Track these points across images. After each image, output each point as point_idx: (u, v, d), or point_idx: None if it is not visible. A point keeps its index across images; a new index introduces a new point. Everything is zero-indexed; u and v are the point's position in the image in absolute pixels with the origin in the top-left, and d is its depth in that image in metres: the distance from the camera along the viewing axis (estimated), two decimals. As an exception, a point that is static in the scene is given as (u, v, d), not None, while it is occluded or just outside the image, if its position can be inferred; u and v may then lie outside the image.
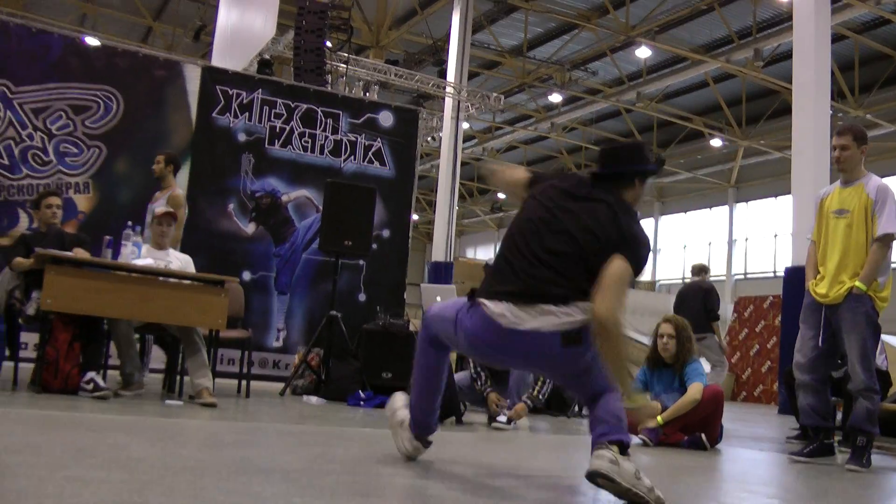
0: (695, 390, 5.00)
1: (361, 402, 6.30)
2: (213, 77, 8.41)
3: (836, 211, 4.77)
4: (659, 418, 4.98)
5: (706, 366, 9.53)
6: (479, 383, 5.79)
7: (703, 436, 5.01)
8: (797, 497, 3.66)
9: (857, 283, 4.55)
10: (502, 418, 5.39)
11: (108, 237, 5.39)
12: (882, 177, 4.78)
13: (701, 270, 9.90)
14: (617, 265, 2.84)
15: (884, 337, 9.88)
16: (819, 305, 4.74)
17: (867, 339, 4.53)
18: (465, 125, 20.66)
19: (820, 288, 4.74)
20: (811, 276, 4.87)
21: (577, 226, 2.94)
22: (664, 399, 5.11)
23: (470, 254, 36.33)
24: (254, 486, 2.42)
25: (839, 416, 6.46)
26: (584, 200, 3.00)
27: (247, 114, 8.38)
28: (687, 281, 13.15)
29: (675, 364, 5.16)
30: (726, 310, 16.45)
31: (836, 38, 16.24)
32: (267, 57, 13.19)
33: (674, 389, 5.14)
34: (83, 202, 7.70)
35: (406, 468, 3.13)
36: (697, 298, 9.23)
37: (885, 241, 4.58)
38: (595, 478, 2.62)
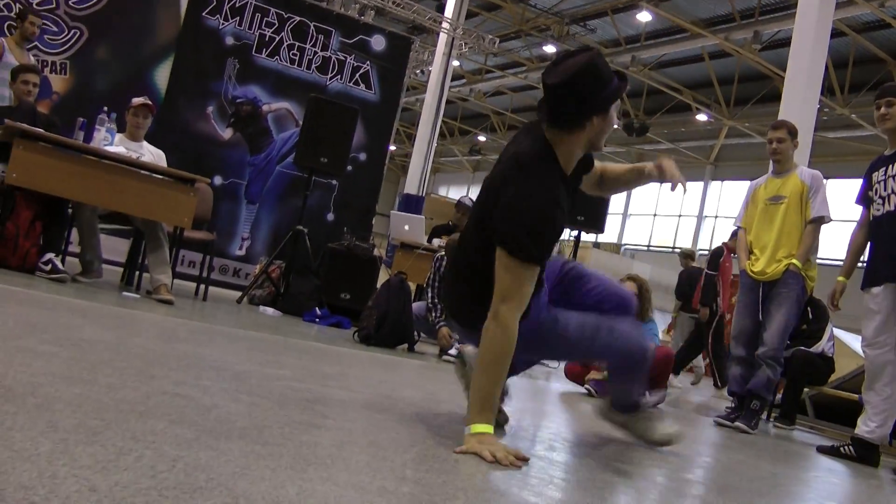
0: (646, 349, 5.09)
1: (317, 320, 6.33)
2: (207, -26, 8.20)
3: (771, 198, 5.15)
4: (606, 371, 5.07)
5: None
6: (433, 315, 5.67)
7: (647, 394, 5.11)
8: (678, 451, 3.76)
9: (794, 261, 4.93)
10: (453, 351, 5.42)
11: (81, 119, 5.29)
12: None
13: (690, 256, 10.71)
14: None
15: (836, 332, 10.24)
16: (756, 283, 5.08)
17: (791, 317, 4.93)
18: (456, 63, 20.44)
19: (756, 267, 5.10)
20: (745, 259, 5.22)
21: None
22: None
23: (442, 192, 36.25)
24: (203, 380, 2.44)
25: (779, 395, 6.64)
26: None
27: (238, 18, 8.21)
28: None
29: (634, 321, 5.24)
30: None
31: (835, 34, 16.18)
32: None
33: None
34: (58, 83, 7.52)
35: (354, 384, 3.18)
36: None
37: (818, 223, 5.00)
38: None
